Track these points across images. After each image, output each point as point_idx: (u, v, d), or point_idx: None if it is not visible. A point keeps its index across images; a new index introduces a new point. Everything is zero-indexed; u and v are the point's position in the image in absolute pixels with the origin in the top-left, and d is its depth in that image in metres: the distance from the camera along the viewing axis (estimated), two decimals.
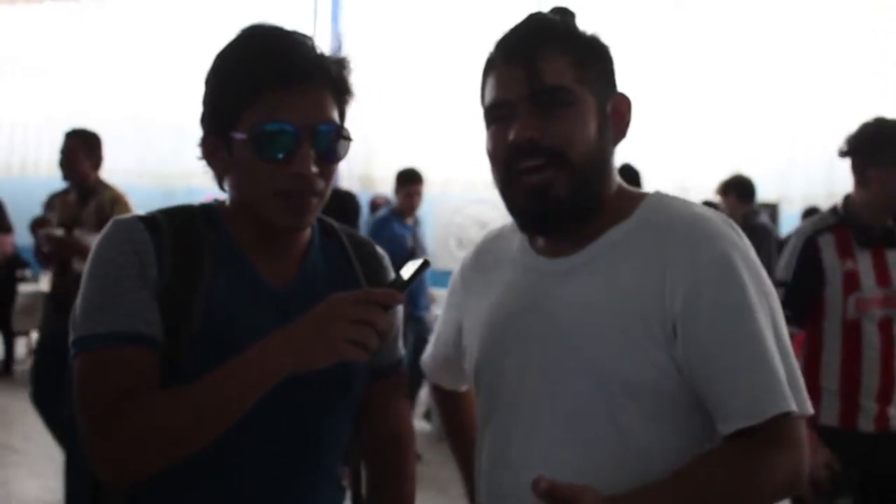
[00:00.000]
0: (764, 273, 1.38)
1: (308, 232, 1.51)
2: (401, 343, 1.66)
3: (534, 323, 1.43)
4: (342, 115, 1.43)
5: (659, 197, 1.47)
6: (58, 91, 10.36)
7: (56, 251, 4.38)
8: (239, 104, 1.35)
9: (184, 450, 1.27)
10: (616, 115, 1.45)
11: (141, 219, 1.39)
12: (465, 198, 8.75)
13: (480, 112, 1.47)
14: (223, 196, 1.48)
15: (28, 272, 8.46)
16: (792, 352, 1.36)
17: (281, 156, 1.34)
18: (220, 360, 1.26)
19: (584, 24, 1.46)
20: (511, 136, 1.37)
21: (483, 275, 1.59)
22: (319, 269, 1.50)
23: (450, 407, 1.80)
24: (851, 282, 2.79)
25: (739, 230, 1.40)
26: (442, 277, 7.16)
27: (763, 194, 7.55)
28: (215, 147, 1.41)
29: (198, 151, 1.44)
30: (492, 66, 1.44)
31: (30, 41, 10.62)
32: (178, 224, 1.41)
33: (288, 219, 1.38)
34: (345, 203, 5.83)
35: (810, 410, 1.33)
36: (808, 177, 8.28)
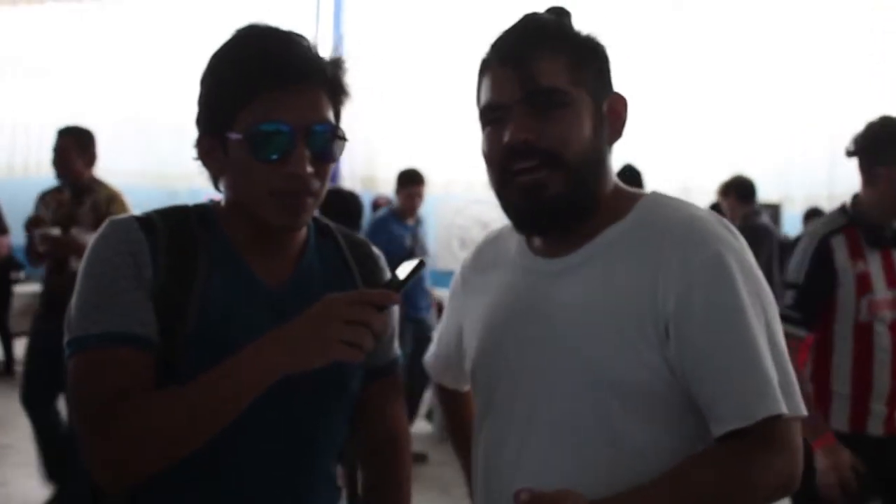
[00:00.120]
0: (760, 275, 1.37)
1: (304, 232, 1.51)
2: (396, 343, 1.66)
3: (529, 324, 1.43)
4: (338, 116, 1.43)
5: (655, 197, 1.46)
6: (59, 92, 10.35)
7: (53, 250, 4.33)
8: (234, 104, 1.35)
9: (180, 450, 1.27)
10: (612, 114, 1.44)
11: (136, 219, 1.39)
12: (466, 198, 8.75)
13: (476, 113, 1.46)
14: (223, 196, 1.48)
15: (22, 274, 8.43)
16: (787, 354, 1.35)
17: (276, 156, 1.34)
18: (216, 360, 1.26)
19: (582, 23, 1.46)
20: (506, 138, 1.37)
21: (482, 276, 1.59)
22: (315, 269, 1.50)
23: (452, 406, 1.80)
24: (864, 284, 2.77)
25: (735, 231, 1.40)
26: (444, 278, 7.12)
27: (765, 195, 7.55)
28: (211, 147, 1.41)
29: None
30: (487, 67, 1.43)
31: (31, 42, 10.63)
32: (174, 224, 1.41)
33: (283, 219, 1.38)
34: (348, 203, 5.82)
35: (803, 412, 1.33)
36: (809, 177, 8.28)
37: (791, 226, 7.96)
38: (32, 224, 4.40)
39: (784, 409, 1.28)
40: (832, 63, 8.05)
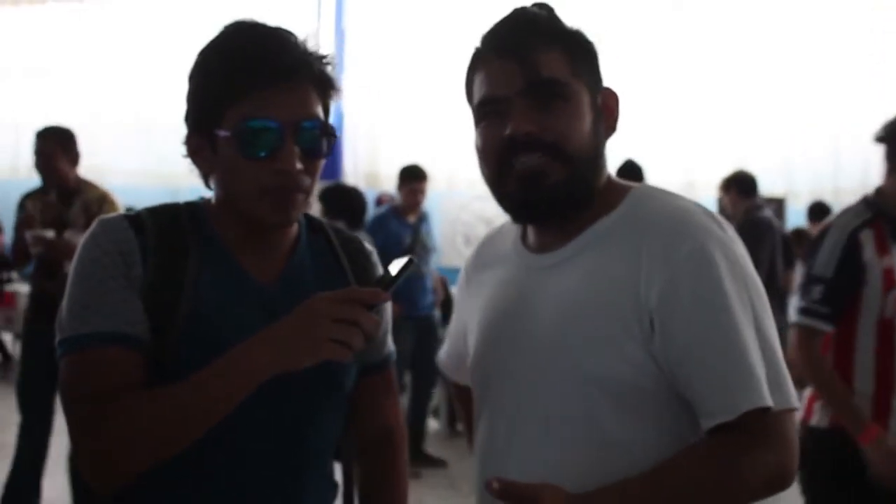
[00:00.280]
0: (748, 267, 1.36)
1: (295, 229, 1.50)
2: (390, 339, 1.65)
3: (520, 319, 1.42)
4: (326, 112, 1.41)
5: (645, 190, 1.45)
6: (61, 92, 10.35)
7: (46, 253, 4.25)
8: (222, 101, 1.34)
9: (170, 449, 1.27)
10: (605, 109, 1.44)
11: (126, 217, 1.39)
12: (470, 194, 8.74)
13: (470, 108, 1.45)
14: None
15: (14, 274, 8.39)
16: (777, 346, 1.33)
17: (265, 153, 1.33)
18: (207, 358, 1.25)
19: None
20: (508, 131, 1.35)
21: (482, 272, 1.58)
22: (307, 266, 1.49)
23: (468, 404, 1.79)
24: (890, 279, 2.73)
25: (724, 223, 1.38)
26: (449, 274, 7.17)
27: (769, 189, 7.54)
28: (200, 145, 1.40)
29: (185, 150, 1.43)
30: (481, 60, 1.42)
31: (32, 42, 10.63)
32: (163, 222, 1.40)
33: (274, 216, 1.37)
34: (351, 199, 5.81)
35: (793, 405, 1.31)
36: (814, 171, 8.27)
37: (795, 220, 7.96)
38: (25, 224, 4.32)
39: (768, 402, 1.26)
40: (836, 57, 8.04)
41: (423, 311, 5.87)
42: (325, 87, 1.41)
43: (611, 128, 1.45)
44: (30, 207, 4.41)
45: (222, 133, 1.35)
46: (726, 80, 8.27)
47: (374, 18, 9.44)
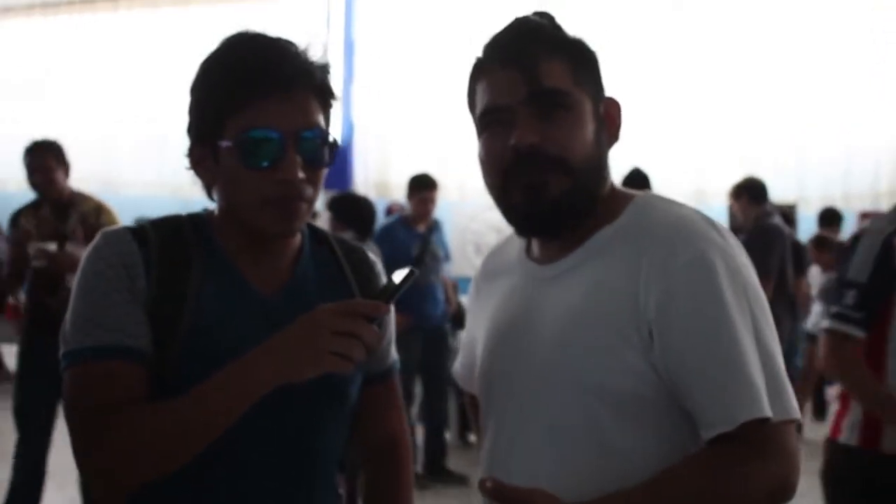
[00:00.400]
0: (750, 275, 1.35)
1: (298, 239, 1.50)
2: (393, 349, 1.66)
3: (523, 331, 1.42)
4: (327, 121, 1.41)
5: (647, 199, 1.45)
6: (76, 105, 10.41)
7: (50, 266, 4.20)
8: (223, 112, 1.35)
9: (172, 462, 1.28)
10: (607, 118, 1.43)
11: (129, 230, 1.40)
12: (481, 204, 8.70)
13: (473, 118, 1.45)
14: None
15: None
16: (778, 355, 1.32)
17: (266, 164, 1.33)
18: (209, 371, 1.26)
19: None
20: (512, 141, 1.34)
21: (489, 283, 1.58)
22: (310, 277, 1.49)
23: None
24: None
25: (724, 231, 1.37)
26: (460, 283, 7.10)
27: (780, 196, 7.52)
28: (202, 157, 1.40)
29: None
30: (483, 70, 1.41)
31: (46, 54, 10.69)
32: (167, 235, 1.41)
33: (277, 226, 1.38)
34: (361, 209, 5.80)
35: (794, 415, 1.30)
36: (824, 177, 8.25)
37: (806, 226, 7.93)
38: (24, 238, 4.29)
39: (767, 413, 1.25)
40: (846, 63, 8.02)
41: (432, 321, 5.79)
42: (326, 96, 1.41)
43: (613, 137, 1.44)
44: (24, 224, 4.37)
45: (224, 143, 1.35)
46: (736, 87, 8.26)
47: (383, 28, 9.46)
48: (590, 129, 1.38)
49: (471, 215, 8.98)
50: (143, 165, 9.79)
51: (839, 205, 7.82)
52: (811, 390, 7.30)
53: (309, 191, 1.37)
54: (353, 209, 5.76)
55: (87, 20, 10.64)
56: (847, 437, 2.75)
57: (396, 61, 9.28)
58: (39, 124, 10.13)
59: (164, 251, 1.38)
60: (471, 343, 1.65)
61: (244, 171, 1.35)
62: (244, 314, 1.40)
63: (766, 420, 1.25)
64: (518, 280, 1.49)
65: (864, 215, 8.07)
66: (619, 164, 5.92)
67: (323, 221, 6.14)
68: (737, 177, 6.35)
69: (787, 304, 5.90)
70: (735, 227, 6.61)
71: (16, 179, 9.17)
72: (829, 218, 7.43)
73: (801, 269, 6.32)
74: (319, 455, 1.47)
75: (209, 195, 1.46)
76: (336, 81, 1.43)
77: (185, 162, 1.43)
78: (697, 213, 1.40)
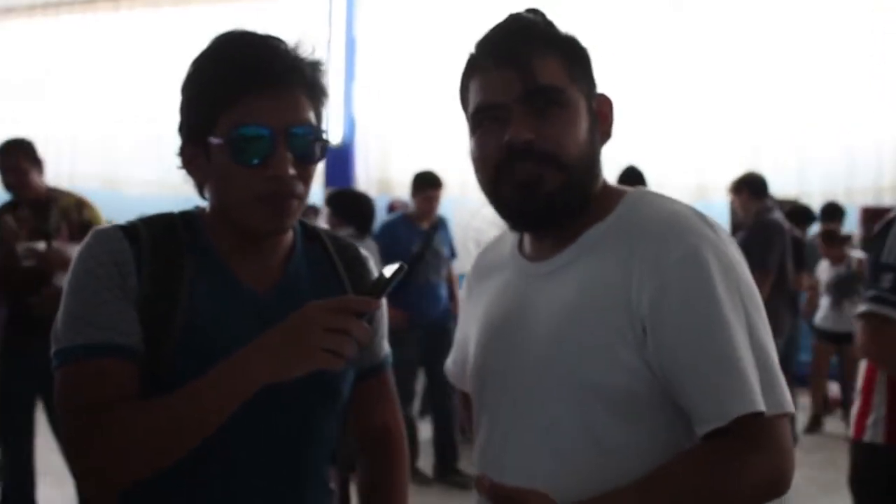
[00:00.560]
0: (743, 270, 1.35)
1: (290, 237, 1.50)
2: (386, 343, 1.66)
3: (516, 328, 1.42)
4: (318, 117, 1.41)
5: (639, 194, 1.44)
6: (76, 104, 10.42)
7: (39, 265, 4.10)
8: (214, 109, 1.35)
9: (164, 460, 1.28)
10: (600, 115, 1.43)
11: (121, 228, 1.40)
12: (483, 200, 8.67)
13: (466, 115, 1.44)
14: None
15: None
16: (772, 350, 1.32)
17: (257, 161, 1.34)
18: (202, 369, 1.26)
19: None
20: (506, 138, 1.35)
21: (482, 281, 1.59)
22: (302, 275, 1.49)
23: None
24: None
25: (717, 226, 1.37)
26: (462, 280, 7.06)
27: (782, 190, 7.51)
28: (193, 155, 1.41)
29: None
30: (477, 67, 1.41)
31: (47, 54, 10.69)
32: (158, 233, 1.41)
33: (268, 223, 1.38)
34: (360, 205, 5.78)
35: (788, 409, 1.30)
36: (826, 172, 8.24)
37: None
38: (12, 237, 4.18)
39: (760, 407, 1.25)
40: (848, 58, 8.00)
41: (431, 318, 5.74)
42: (317, 92, 1.41)
43: (605, 134, 1.44)
44: (10, 221, 4.24)
45: (215, 141, 1.35)
46: (737, 82, 8.24)
47: (384, 26, 9.45)
48: (584, 126, 1.38)
49: (472, 211, 8.96)
50: (144, 165, 9.79)
51: (841, 199, 7.80)
52: (824, 385, 7.27)
53: (300, 187, 1.38)
54: (352, 205, 5.74)
55: (88, 20, 10.65)
56: (871, 435, 2.73)
57: (397, 58, 9.27)
58: (41, 124, 10.16)
59: (156, 249, 1.39)
60: (463, 340, 1.65)
61: (235, 168, 1.35)
62: (237, 312, 1.40)
63: (759, 414, 1.25)
64: (511, 276, 1.49)
65: (867, 210, 8.07)
66: (620, 160, 5.96)
67: (323, 218, 6.13)
68: (739, 172, 6.34)
69: (787, 300, 5.90)
70: (737, 223, 6.62)
71: None
72: (832, 212, 7.42)
73: (801, 265, 6.31)
74: (311, 451, 1.48)
75: (201, 194, 1.46)
76: (329, 79, 1.43)
77: (178, 161, 1.44)
78: (690, 208, 1.40)
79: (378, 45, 9.45)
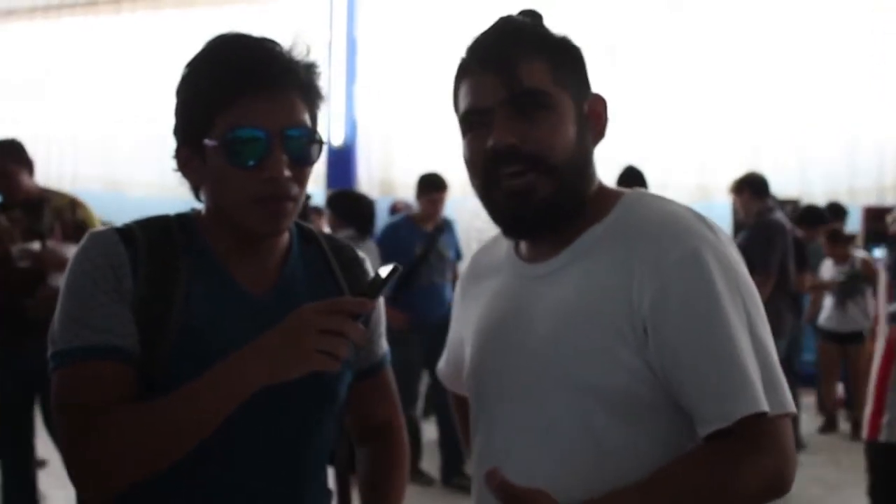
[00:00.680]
0: (742, 271, 1.35)
1: (287, 239, 1.50)
2: (384, 342, 1.66)
3: (514, 330, 1.42)
4: (314, 120, 1.42)
5: (636, 196, 1.44)
6: (78, 106, 10.43)
7: (35, 265, 4.03)
8: (209, 112, 1.35)
9: (161, 462, 1.28)
10: (593, 115, 1.43)
11: (117, 231, 1.40)
12: None
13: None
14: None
15: None
16: (773, 350, 1.32)
17: (252, 162, 1.34)
18: (198, 372, 1.26)
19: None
20: (490, 142, 1.35)
21: (477, 283, 1.58)
22: (299, 277, 1.49)
23: (464, 414, 1.78)
24: None
25: (716, 227, 1.37)
26: None
27: (784, 190, 7.50)
28: (189, 157, 1.41)
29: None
30: (466, 71, 1.41)
31: (49, 56, 10.71)
32: (154, 235, 1.41)
33: (264, 225, 1.38)
34: (360, 206, 5.78)
35: (791, 409, 1.30)
36: (828, 172, 8.23)
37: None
38: (6, 238, 4.12)
39: (764, 408, 1.25)
40: (849, 58, 7.99)
41: (435, 320, 5.60)
42: (312, 95, 1.41)
43: (599, 134, 1.44)
44: (3, 222, 4.19)
45: (210, 143, 1.36)
46: (739, 82, 8.23)
47: (385, 26, 9.46)
48: (571, 128, 1.38)
49: (474, 212, 8.92)
50: (146, 167, 9.80)
51: (844, 199, 7.80)
52: (834, 386, 7.23)
53: (295, 189, 1.38)
54: (352, 207, 5.73)
55: (89, 23, 10.67)
56: (887, 434, 2.73)
57: (399, 59, 9.28)
58: (43, 126, 10.18)
59: (152, 251, 1.39)
60: (456, 342, 1.65)
61: (231, 171, 1.35)
62: (233, 315, 1.40)
63: (762, 414, 1.25)
64: (508, 279, 1.49)
65: (869, 210, 8.07)
66: (621, 161, 5.95)
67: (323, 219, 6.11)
68: (740, 172, 6.33)
69: (789, 301, 5.89)
70: (739, 224, 6.61)
71: None
72: (834, 213, 7.41)
73: (802, 265, 6.30)
74: (309, 452, 1.48)
75: (197, 196, 1.47)
76: (326, 81, 1.43)
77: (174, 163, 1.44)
78: (688, 209, 1.40)
79: (379, 45, 9.45)
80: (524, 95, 1.35)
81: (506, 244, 1.54)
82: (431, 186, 5.92)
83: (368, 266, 1.61)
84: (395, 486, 1.63)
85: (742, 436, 1.25)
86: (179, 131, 1.42)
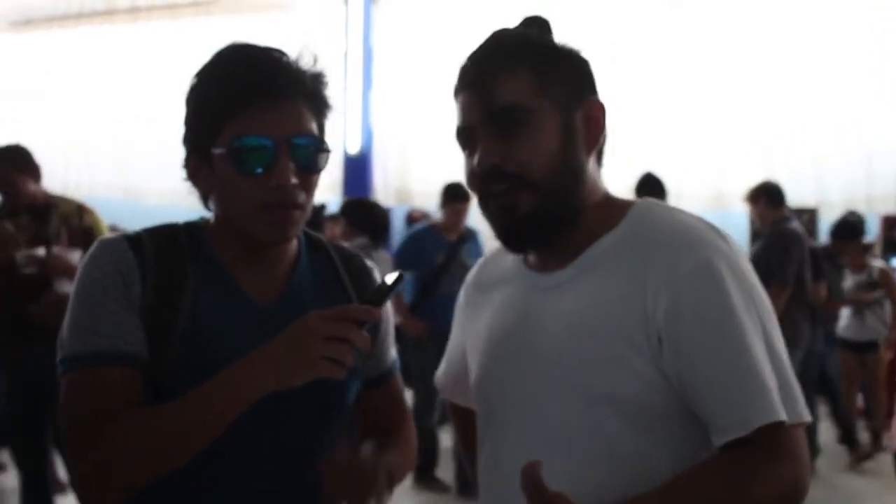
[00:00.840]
0: (755, 280, 1.35)
1: (295, 247, 1.51)
2: (393, 350, 1.66)
3: (523, 340, 1.42)
4: (321, 128, 1.43)
5: (647, 206, 1.44)
6: (95, 115, 10.49)
7: (41, 272, 3.99)
8: (217, 120, 1.37)
9: (165, 467, 1.29)
10: (589, 121, 1.41)
11: (126, 238, 1.41)
12: None
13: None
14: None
15: None
16: (787, 359, 1.32)
17: (260, 170, 1.35)
18: (204, 377, 1.27)
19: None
20: (474, 163, 1.37)
21: (484, 293, 1.58)
22: (306, 285, 1.50)
23: (464, 424, 1.76)
24: None
25: (728, 237, 1.37)
26: None
27: (801, 200, 7.47)
28: (197, 166, 1.42)
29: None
30: (455, 90, 1.43)
31: (65, 64, 10.78)
32: (162, 243, 1.42)
33: (271, 233, 1.39)
34: (374, 214, 5.79)
35: (805, 418, 1.30)
36: (847, 181, 8.19)
37: (828, 231, 7.88)
38: (12, 244, 4.08)
39: (782, 416, 1.25)
40: (868, 66, 7.96)
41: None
42: (319, 104, 1.43)
43: (595, 140, 1.42)
44: (9, 228, 4.14)
45: (218, 151, 1.37)
46: (756, 90, 8.21)
47: (401, 35, 9.48)
48: (553, 139, 1.37)
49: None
50: (164, 175, 9.83)
51: (861, 208, 7.75)
52: (854, 395, 7.18)
53: (302, 197, 1.39)
54: (366, 215, 5.74)
55: (107, 31, 10.73)
56: None
57: (415, 68, 9.29)
58: (61, 134, 10.24)
59: (160, 259, 1.40)
60: (456, 352, 1.64)
61: (238, 179, 1.37)
62: (240, 323, 1.41)
63: (780, 424, 1.25)
64: (517, 289, 1.49)
65: (887, 219, 8.02)
66: (638, 169, 5.94)
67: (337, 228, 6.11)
68: (757, 181, 6.31)
69: (805, 311, 5.84)
70: (756, 233, 6.57)
71: None
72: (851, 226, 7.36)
73: (819, 275, 6.25)
74: (315, 459, 1.46)
75: (205, 204, 1.48)
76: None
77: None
78: (699, 219, 1.40)
79: (395, 54, 9.48)
80: (500, 113, 1.35)
81: (513, 255, 1.53)
82: (456, 196, 5.90)
83: (377, 275, 1.61)
84: (400, 445, 1.59)
85: (759, 445, 1.25)
86: (188, 140, 1.44)
